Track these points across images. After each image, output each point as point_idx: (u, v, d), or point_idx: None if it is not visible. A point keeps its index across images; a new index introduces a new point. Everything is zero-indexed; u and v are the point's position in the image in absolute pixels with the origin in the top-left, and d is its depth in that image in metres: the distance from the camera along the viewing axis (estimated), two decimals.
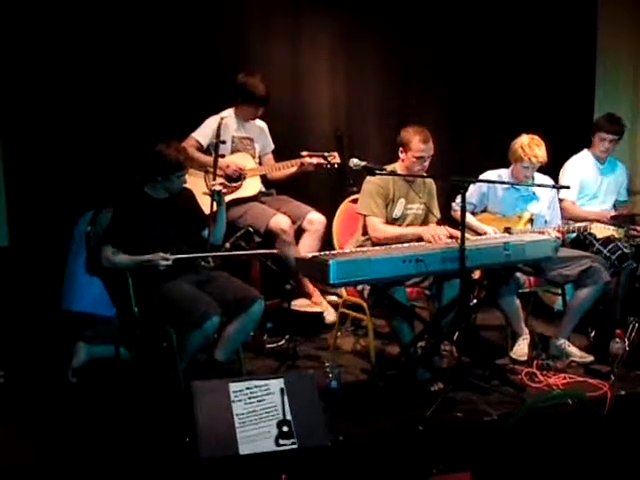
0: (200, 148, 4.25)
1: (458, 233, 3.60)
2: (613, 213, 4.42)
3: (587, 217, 4.25)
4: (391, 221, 3.87)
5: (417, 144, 3.75)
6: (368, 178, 3.84)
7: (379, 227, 3.81)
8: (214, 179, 3.96)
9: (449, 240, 3.64)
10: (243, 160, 4.33)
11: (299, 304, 4.29)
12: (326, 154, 4.31)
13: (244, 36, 4.80)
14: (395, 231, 3.81)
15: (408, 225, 3.89)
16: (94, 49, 4.36)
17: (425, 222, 3.96)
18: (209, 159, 4.13)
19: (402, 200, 3.88)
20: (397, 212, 3.88)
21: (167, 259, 3.38)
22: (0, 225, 4.22)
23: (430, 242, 3.64)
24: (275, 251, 4.01)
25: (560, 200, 4.37)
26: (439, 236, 3.65)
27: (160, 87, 4.51)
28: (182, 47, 4.57)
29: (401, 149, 3.83)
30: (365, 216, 3.85)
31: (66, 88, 4.33)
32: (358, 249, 3.65)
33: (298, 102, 5.02)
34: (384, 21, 5.13)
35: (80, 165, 4.36)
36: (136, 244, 3.44)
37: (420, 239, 3.73)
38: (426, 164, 3.82)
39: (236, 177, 4.26)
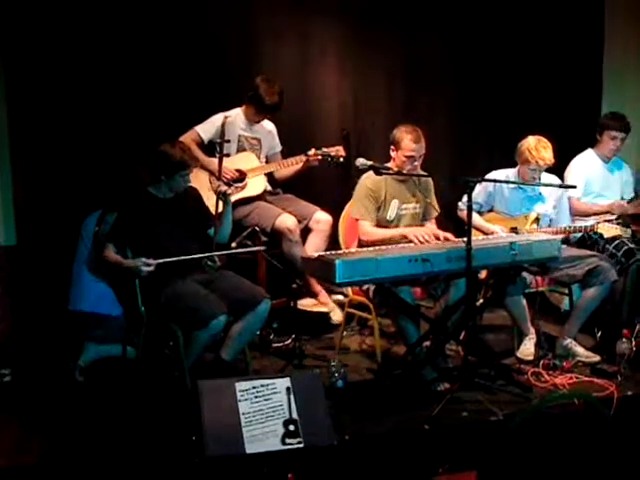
0: (200, 142, 4.23)
1: (448, 235, 3.61)
2: (624, 203, 4.35)
3: (596, 211, 4.24)
4: (385, 223, 3.85)
5: (407, 143, 3.72)
6: (360, 181, 3.83)
7: (367, 230, 3.79)
8: (218, 178, 3.96)
9: (436, 240, 3.60)
10: (247, 159, 4.32)
11: (305, 303, 4.29)
12: (332, 151, 4.31)
13: (252, 36, 4.80)
14: (382, 233, 3.78)
15: (407, 225, 3.86)
16: (101, 49, 4.37)
17: (425, 219, 3.96)
18: (202, 156, 4.14)
19: (395, 201, 3.85)
20: (391, 213, 3.85)
21: (149, 264, 3.32)
22: (8, 224, 4.24)
23: (415, 242, 3.59)
24: (226, 251, 3.65)
25: (568, 198, 4.37)
26: (423, 236, 3.61)
27: (167, 88, 4.52)
28: (189, 48, 4.58)
29: (392, 147, 3.80)
30: (357, 220, 3.84)
31: (73, 87, 4.34)
32: (364, 249, 3.65)
33: (305, 102, 5.01)
34: (392, 21, 5.13)
35: (87, 164, 4.37)
36: (141, 244, 3.44)
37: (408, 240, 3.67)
38: (416, 164, 3.77)
39: (235, 179, 4.21)
